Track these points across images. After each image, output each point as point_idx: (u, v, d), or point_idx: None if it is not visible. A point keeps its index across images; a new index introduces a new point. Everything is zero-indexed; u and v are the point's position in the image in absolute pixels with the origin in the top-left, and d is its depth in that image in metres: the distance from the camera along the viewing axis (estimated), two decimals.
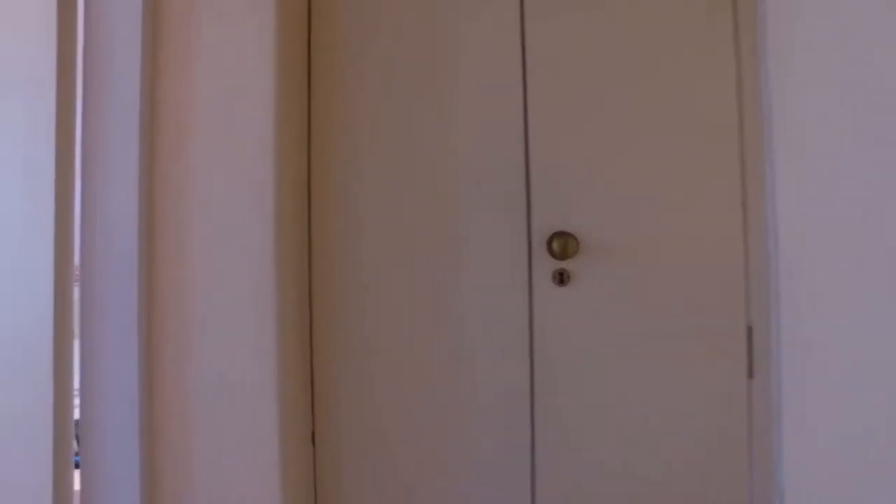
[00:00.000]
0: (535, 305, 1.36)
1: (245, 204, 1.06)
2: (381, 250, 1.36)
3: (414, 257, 1.36)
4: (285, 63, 1.12)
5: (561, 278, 1.36)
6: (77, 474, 1.09)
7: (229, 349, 1.05)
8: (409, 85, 1.38)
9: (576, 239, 1.34)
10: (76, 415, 1.09)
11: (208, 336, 1.05)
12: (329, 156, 1.35)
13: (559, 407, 1.36)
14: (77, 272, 1.06)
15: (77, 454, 1.11)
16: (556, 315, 1.37)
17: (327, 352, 1.33)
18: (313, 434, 1.31)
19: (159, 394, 1.05)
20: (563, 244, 1.33)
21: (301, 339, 1.27)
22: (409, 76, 1.38)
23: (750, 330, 1.35)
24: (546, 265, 1.36)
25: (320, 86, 1.35)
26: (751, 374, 1.34)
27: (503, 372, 1.36)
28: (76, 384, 1.08)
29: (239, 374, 1.05)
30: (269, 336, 1.05)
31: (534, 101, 1.38)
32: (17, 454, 1.07)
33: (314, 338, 1.31)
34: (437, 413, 1.34)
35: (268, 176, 1.06)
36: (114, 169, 1.02)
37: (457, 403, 1.34)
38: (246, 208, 1.06)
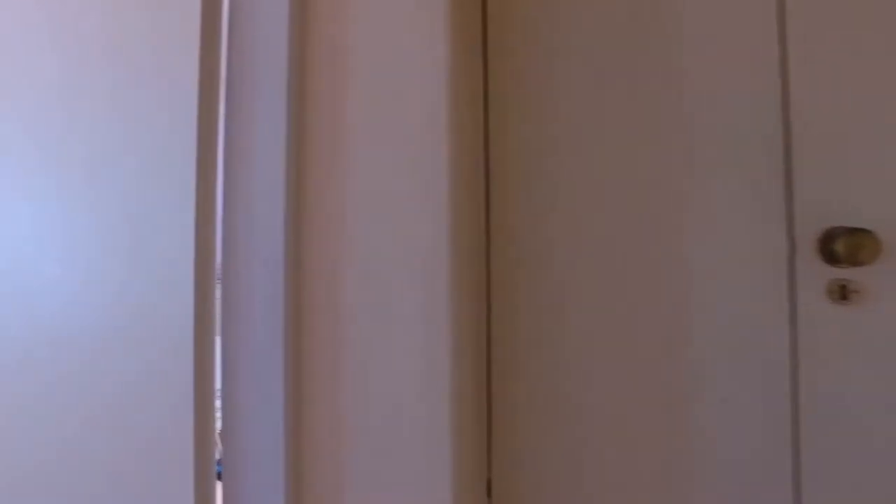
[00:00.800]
0: (801, 330, 0.96)
1: (412, 196, 0.83)
2: (581, 255, 1.02)
3: (626, 262, 1.01)
4: (458, 25, 0.84)
5: (843, 292, 0.94)
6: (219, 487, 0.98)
7: (393, 369, 0.82)
8: (619, 38, 1.02)
9: (875, 237, 0.91)
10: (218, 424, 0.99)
11: (367, 352, 0.82)
12: (512, 137, 1.04)
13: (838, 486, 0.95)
14: (219, 271, 0.94)
15: (219, 463, 0.98)
16: (835, 345, 0.95)
17: (510, 381, 1.03)
18: (489, 483, 1.02)
19: (308, 407, 0.87)
20: (853, 245, 0.91)
21: (477, 364, 0.98)
22: (619, 28, 1.02)
23: None
24: (817, 273, 0.95)
25: (500, 44, 1.05)
26: None
27: (751, 426, 0.97)
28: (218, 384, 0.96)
29: (405, 400, 0.81)
30: (442, 357, 0.79)
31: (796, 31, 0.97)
32: (156, 464, 0.97)
33: (492, 363, 1.02)
34: (654, 475, 0.99)
35: (440, 164, 0.80)
36: (259, 157, 0.88)
37: (683, 463, 0.99)
38: (413, 201, 0.83)
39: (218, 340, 0.95)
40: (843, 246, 0.91)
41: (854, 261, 0.91)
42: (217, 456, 0.99)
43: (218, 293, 0.91)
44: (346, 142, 0.85)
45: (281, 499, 0.90)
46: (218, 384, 0.96)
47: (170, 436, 0.95)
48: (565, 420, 1.00)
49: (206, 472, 0.98)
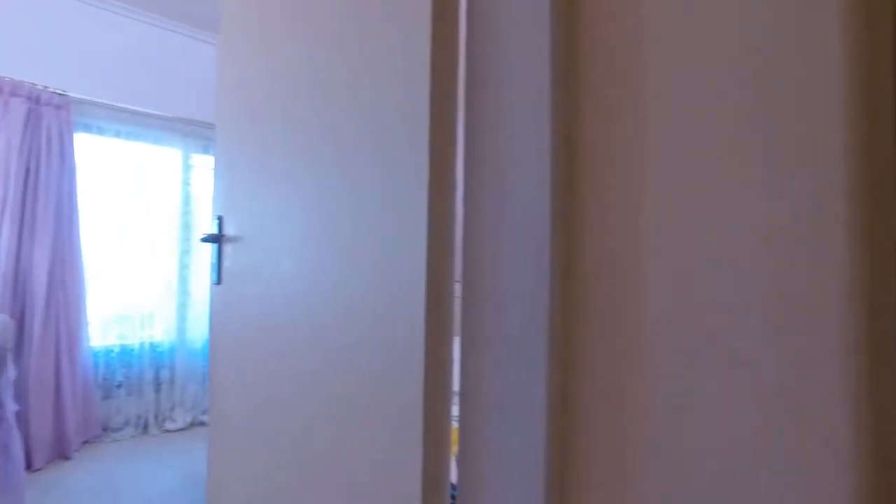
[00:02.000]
0: None
1: (761, 162, 0.53)
2: None
3: None
4: None
5: None
6: None
7: (718, 410, 0.54)
8: None
9: None
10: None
11: (676, 376, 0.57)
12: None
13: None
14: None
15: (454, 487, 0.82)
16: None
17: None
18: None
19: (579, 433, 0.65)
20: None
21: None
22: None
23: None
24: None
25: None
26: None
27: None
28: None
29: (743, 457, 0.53)
30: (836, 411, 0.49)
31: None
32: (377, 478, 0.83)
33: None
34: None
35: (822, 106, 0.49)
36: (514, 139, 0.70)
37: None
38: (763, 169, 0.52)
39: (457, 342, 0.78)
40: None
41: None
42: (452, 479, 0.82)
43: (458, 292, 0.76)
44: (643, 83, 0.61)
45: None
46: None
47: (395, 447, 0.80)
48: None
49: (436, 496, 0.81)
